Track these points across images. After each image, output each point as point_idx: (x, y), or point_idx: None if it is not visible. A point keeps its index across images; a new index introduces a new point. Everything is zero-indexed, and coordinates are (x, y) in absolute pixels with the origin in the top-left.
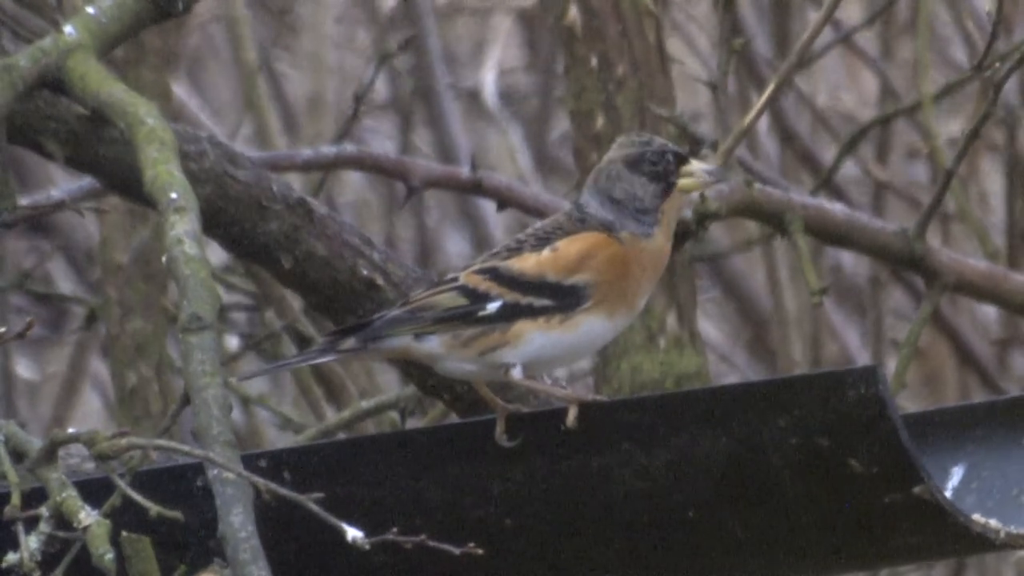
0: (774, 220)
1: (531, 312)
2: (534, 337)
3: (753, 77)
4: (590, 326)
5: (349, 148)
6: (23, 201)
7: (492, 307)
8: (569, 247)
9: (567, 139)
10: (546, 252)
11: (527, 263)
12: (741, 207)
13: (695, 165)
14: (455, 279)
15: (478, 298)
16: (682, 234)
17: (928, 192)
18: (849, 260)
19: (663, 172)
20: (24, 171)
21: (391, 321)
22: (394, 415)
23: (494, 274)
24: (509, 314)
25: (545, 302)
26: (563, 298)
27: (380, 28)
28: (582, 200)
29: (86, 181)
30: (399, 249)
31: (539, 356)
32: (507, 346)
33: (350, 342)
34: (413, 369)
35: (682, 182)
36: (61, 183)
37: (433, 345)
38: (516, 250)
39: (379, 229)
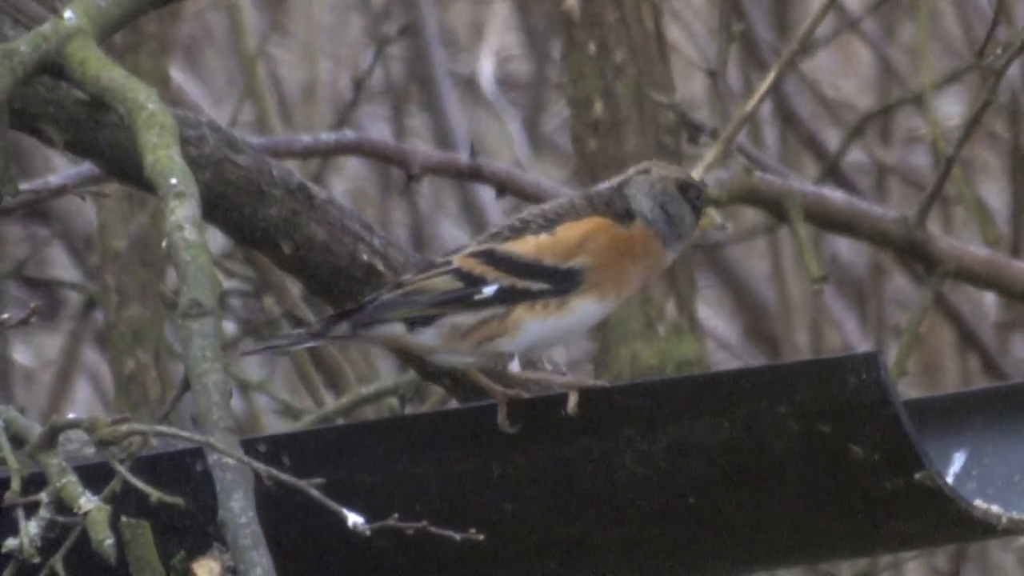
0: (774, 207)
1: (528, 296)
2: (531, 326)
3: (755, 62)
4: (584, 309)
5: (348, 134)
6: (23, 186)
7: (488, 291)
8: (569, 232)
9: (565, 125)
10: (544, 236)
11: (526, 246)
12: (741, 194)
13: (710, 208)
14: (449, 262)
15: (474, 282)
16: None
17: (929, 176)
18: (848, 249)
19: (698, 206)
20: (23, 157)
21: (383, 305)
22: (393, 401)
23: (490, 257)
24: (506, 298)
25: (542, 286)
26: (560, 282)
27: (374, 15)
28: (628, 192)
29: (85, 166)
30: (394, 236)
31: (536, 343)
32: (505, 336)
33: (342, 327)
34: (413, 356)
35: (704, 220)
36: (60, 169)
37: (428, 338)
38: (520, 231)
39: (374, 216)
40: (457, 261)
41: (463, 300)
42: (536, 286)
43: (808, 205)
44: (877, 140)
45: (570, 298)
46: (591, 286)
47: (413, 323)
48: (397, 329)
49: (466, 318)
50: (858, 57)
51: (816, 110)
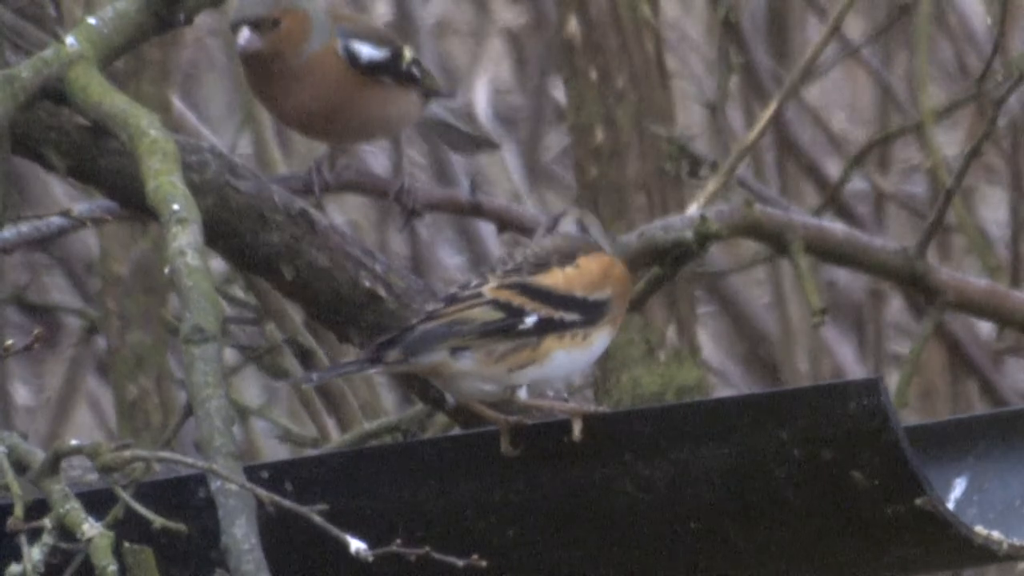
0: (774, 240)
1: (562, 327)
2: (558, 355)
3: (755, 89)
4: (600, 341)
5: (347, 172)
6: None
7: (530, 321)
8: (590, 264)
9: (562, 155)
10: (569, 268)
11: (556, 278)
12: (742, 227)
13: None
14: (480, 294)
15: (514, 312)
16: (682, 255)
17: (928, 204)
18: (845, 276)
19: None
20: (23, 182)
21: (429, 335)
22: (396, 437)
23: (524, 288)
24: (543, 329)
25: (574, 317)
26: (588, 313)
27: None
28: (592, 231)
29: (99, 202)
30: (394, 261)
31: (558, 374)
32: (535, 364)
33: (393, 355)
34: (416, 381)
35: None
36: (60, 195)
37: (467, 362)
38: (541, 265)
39: (373, 241)
40: (490, 293)
41: (507, 330)
42: (570, 317)
43: (809, 238)
44: (875, 169)
45: (592, 330)
46: (609, 319)
47: (455, 349)
48: (442, 356)
49: (502, 345)
50: (856, 86)
51: (816, 138)
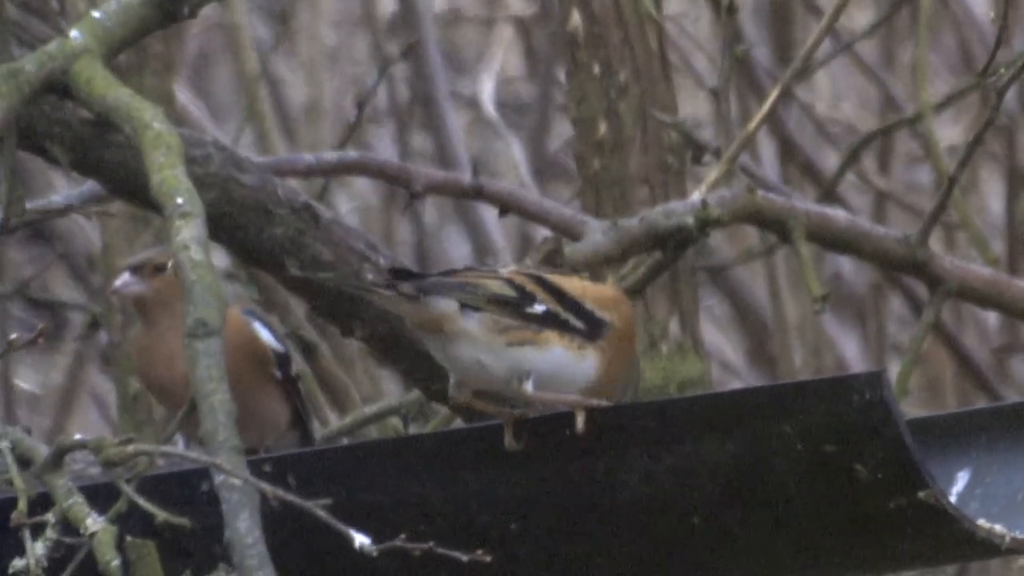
0: (776, 226)
1: (565, 327)
2: (556, 349)
3: (751, 85)
4: (592, 360)
5: (351, 154)
6: (28, 205)
7: (539, 308)
8: (605, 287)
9: (568, 146)
10: (587, 281)
11: (572, 283)
12: (743, 213)
13: None
14: (496, 272)
15: (526, 296)
16: (683, 241)
17: (928, 198)
18: (848, 268)
19: None
20: (24, 176)
21: (445, 283)
22: (395, 422)
23: (540, 281)
24: (547, 322)
25: (578, 323)
26: (590, 326)
27: (378, 35)
28: None
29: (87, 186)
30: (399, 253)
31: (552, 367)
32: (534, 346)
33: (407, 287)
34: (419, 373)
35: None
36: (62, 189)
37: (473, 323)
38: (558, 271)
39: (379, 233)
40: (507, 274)
41: (517, 307)
42: (573, 321)
43: (811, 224)
44: (877, 161)
45: (588, 345)
46: (605, 345)
47: (464, 307)
48: (452, 307)
49: (507, 319)
50: (860, 80)
51: (816, 134)
